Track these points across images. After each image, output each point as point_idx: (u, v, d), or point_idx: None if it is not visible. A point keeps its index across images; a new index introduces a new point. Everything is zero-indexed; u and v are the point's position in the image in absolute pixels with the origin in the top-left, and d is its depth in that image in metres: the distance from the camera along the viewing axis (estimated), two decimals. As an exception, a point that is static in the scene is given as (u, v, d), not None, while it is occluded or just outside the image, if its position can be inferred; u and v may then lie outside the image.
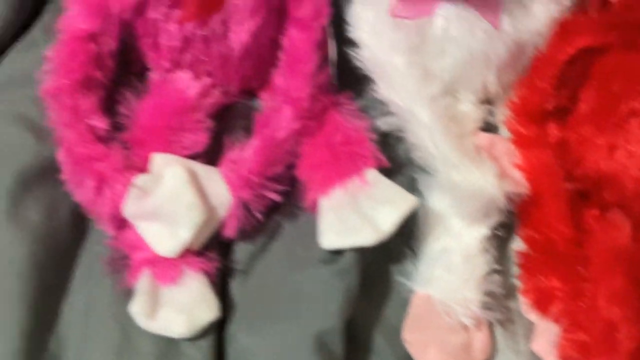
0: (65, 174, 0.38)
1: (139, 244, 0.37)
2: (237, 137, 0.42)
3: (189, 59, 0.41)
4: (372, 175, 0.39)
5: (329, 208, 0.39)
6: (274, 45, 0.43)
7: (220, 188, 0.39)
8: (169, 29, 0.40)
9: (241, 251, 0.41)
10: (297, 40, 0.40)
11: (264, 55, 0.43)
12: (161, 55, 0.41)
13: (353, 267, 0.37)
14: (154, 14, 0.39)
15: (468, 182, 0.39)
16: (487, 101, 0.46)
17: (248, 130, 0.44)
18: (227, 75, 0.43)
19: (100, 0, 0.38)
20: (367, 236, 0.36)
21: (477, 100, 0.45)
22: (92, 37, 0.39)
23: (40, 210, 0.38)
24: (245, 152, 0.39)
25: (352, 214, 0.37)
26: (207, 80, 0.41)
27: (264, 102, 0.46)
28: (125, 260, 0.38)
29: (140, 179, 0.37)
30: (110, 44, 0.40)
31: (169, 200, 0.37)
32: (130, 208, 0.37)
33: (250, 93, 0.46)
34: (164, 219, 0.37)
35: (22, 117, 0.41)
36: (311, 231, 0.41)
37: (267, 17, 0.41)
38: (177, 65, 0.42)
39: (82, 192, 0.38)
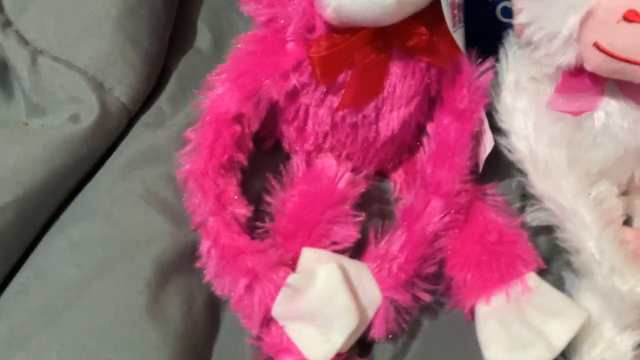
0: (210, 268, 0.35)
1: (286, 347, 0.35)
2: (374, 224, 0.40)
3: (331, 142, 0.39)
4: (534, 280, 0.37)
5: (490, 315, 0.36)
6: (419, 130, 0.41)
7: (370, 287, 0.36)
8: (319, 114, 0.38)
9: (382, 352, 0.38)
10: (452, 131, 0.38)
11: (407, 140, 0.41)
12: (305, 139, 0.39)
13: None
14: (307, 99, 0.37)
15: (633, 292, 0.37)
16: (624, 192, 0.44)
17: (384, 216, 0.42)
18: (367, 159, 0.40)
19: (255, 84, 0.36)
20: (541, 353, 0.34)
21: (620, 192, 0.43)
22: (239, 118, 0.37)
23: (179, 305, 0.35)
24: (393, 247, 0.37)
25: (520, 326, 0.35)
26: (349, 166, 0.39)
27: (395, 184, 0.44)
28: (271, 363, 0.35)
29: (293, 278, 0.35)
30: (254, 125, 0.37)
31: (323, 302, 0.34)
32: (280, 308, 0.34)
33: (381, 174, 0.44)
34: (317, 322, 0.35)
35: (156, 197, 0.38)
36: (458, 335, 0.38)
37: (421, 104, 0.39)
38: (319, 149, 0.39)
39: (229, 289, 0.35)
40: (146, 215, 0.37)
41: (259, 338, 0.36)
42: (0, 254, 0.36)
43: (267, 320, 0.36)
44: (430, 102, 0.40)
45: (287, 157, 0.42)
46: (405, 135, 0.40)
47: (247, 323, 0.36)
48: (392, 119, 0.38)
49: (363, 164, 0.41)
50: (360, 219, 0.38)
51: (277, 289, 0.34)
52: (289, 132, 0.40)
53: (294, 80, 0.36)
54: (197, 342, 0.36)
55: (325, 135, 0.39)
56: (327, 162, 0.39)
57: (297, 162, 0.40)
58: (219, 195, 0.36)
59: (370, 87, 0.36)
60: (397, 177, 0.44)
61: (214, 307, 0.38)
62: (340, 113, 0.37)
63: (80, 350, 0.34)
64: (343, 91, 0.36)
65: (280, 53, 0.36)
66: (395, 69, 0.36)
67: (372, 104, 0.37)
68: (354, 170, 0.40)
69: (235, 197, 0.37)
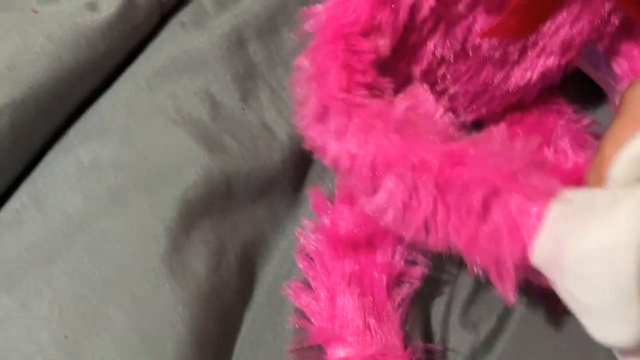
0: (359, 175, 0.22)
1: (339, 335, 0.26)
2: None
3: (443, 74, 0.29)
4: None
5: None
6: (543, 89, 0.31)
7: None
8: (450, 33, 0.27)
9: (461, 343, 0.30)
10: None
11: (531, 95, 0.31)
12: (414, 60, 0.29)
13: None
14: (443, 10, 0.26)
15: None
16: None
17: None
18: (474, 105, 0.31)
19: None
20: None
21: None
22: (368, 34, 0.25)
23: (205, 257, 0.28)
24: None
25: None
26: (445, 105, 0.30)
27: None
28: (317, 353, 0.27)
29: (574, 194, 0.19)
30: (385, 47, 0.25)
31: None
32: (548, 246, 0.19)
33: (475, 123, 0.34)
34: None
35: (188, 118, 0.29)
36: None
37: (574, 59, 0.29)
38: (422, 77, 0.29)
39: (444, 224, 0.21)
40: (173, 138, 0.29)
41: (303, 316, 0.27)
42: (-10, 170, 0.29)
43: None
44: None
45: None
46: (533, 91, 0.30)
47: (499, 287, 0.20)
48: (533, 67, 0.28)
49: (466, 109, 0.31)
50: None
51: (540, 205, 0.19)
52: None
53: None
54: (224, 306, 0.28)
55: (442, 62, 0.29)
56: (422, 94, 0.29)
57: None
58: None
59: (534, 16, 0.26)
60: (496, 129, 0.34)
61: (249, 263, 0.30)
62: (478, 41, 0.28)
63: (75, 300, 0.26)
64: (499, 12, 0.26)
65: None
66: (570, 2, 0.26)
67: (521, 42, 0.28)
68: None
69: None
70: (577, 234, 0.18)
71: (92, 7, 0.29)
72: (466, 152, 0.21)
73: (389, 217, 0.22)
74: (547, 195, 0.19)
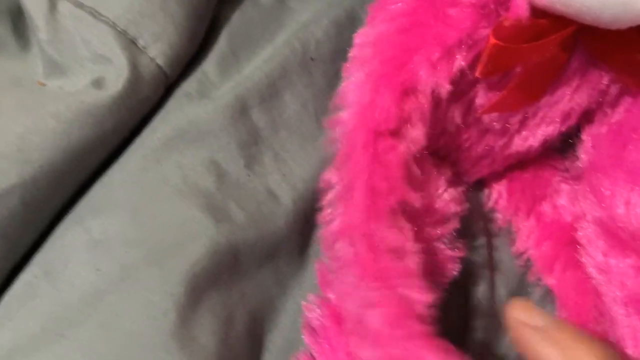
0: None
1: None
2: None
3: (445, 143, 0.30)
4: None
5: None
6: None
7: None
8: (451, 109, 0.28)
9: None
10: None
11: (530, 157, 0.32)
12: None
13: None
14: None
15: None
16: None
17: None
18: (475, 169, 0.31)
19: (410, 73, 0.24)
20: None
21: None
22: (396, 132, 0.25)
23: (213, 330, 0.28)
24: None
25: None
26: (448, 174, 0.30)
27: (492, 194, 0.35)
28: None
29: None
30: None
31: None
32: None
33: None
34: None
35: (195, 188, 0.30)
36: None
37: (572, 127, 0.29)
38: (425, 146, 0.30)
39: None
40: (180, 210, 0.30)
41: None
42: (2, 247, 0.29)
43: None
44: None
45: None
46: (535, 153, 0.31)
47: None
48: (534, 135, 0.29)
49: (468, 172, 0.32)
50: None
51: None
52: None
53: (460, 61, 0.25)
54: (234, 378, 0.29)
55: (443, 133, 0.30)
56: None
57: None
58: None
59: (534, 90, 0.27)
60: (498, 186, 0.35)
61: (256, 330, 0.30)
62: (478, 114, 0.28)
63: (89, 379, 0.27)
64: (499, 88, 0.27)
65: (439, 22, 0.25)
66: (569, 75, 0.27)
67: (521, 114, 0.28)
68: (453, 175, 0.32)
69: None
70: None
71: (98, 84, 0.30)
72: None
73: None
74: None
